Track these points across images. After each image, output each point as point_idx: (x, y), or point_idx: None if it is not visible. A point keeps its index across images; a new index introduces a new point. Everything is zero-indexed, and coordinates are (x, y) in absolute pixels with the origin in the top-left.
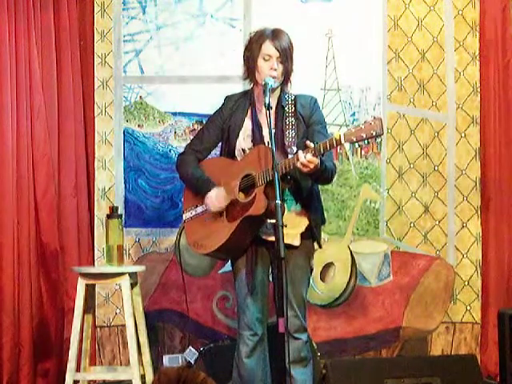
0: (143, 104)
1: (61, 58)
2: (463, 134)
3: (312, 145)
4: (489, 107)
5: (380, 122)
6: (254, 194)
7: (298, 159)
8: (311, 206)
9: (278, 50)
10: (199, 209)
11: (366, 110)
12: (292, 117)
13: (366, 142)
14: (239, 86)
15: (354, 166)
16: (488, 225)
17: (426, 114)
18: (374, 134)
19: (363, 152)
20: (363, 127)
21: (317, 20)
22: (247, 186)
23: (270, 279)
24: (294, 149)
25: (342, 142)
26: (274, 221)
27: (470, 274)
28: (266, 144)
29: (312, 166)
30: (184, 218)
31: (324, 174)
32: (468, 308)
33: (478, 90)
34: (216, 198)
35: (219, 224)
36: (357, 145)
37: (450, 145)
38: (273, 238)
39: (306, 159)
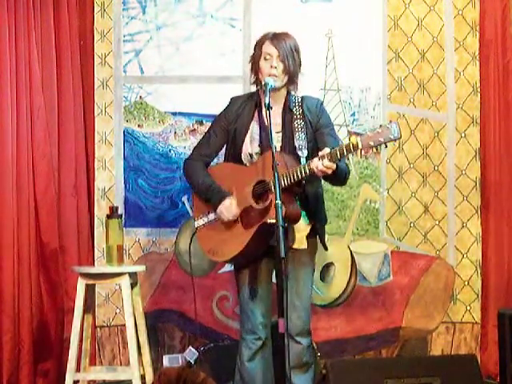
0: (143, 104)
1: (61, 58)
2: (463, 134)
3: (327, 150)
4: (489, 107)
5: (397, 126)
6: (269, 200)
7: (314, 166)
8: (316, 209)
9: (277, 49)
10: (211, 216)
11: (366, 109)
12: (300, 119)
13: (384, 146)
14: (239, 86)
15: (354, 165)
16: (488, 225)
17: (426, 114)
18: (392, 137)
19: (363, 152)
20: (380, 131)
21: (317, 20)
22: (260, 193)
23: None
24: (305, 152)
25: (360, 147)
26: (273, 221)
27: (470, 274)
28: (274, 148)
29: (330, 171)
30: (196, 226)
31: (340, 177)
32: (468, 308)
33: (478, 90)
34: (228, 209)
35: (235, 231)
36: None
37: (450, 145)
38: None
39: (324, 165)
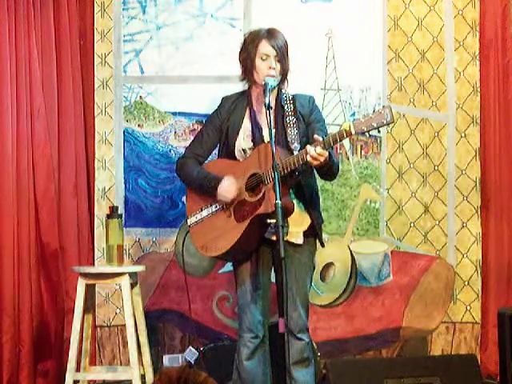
0: (143, 104)
1: (61, 57)
2: (463, 134)
3: (320, 138)
4: (489, 107)
5: (390, 110)
6: (262, 193)
7: (307, 153)
8: (313, 205)
9: (274, 49)
10: (204, 212)
11: (366, 109)
12: (292, 115)
13: (377, 131)
14: (239, 86)
15: (354, 166)
16: (488, 225)
17: (426, 114)
18: (385, 122)
19: (363, 152)
20: (373, 116)
21: (317, 20)
22: (253, 186)
23: (273, 279)
24: (297, 146)
25: (353, 132)
26: (273, 220)
27: (470, 274)
28: (272, 145)
29: (322, 159)
30: (189, 223)
31: (331, 169)
32: (468, 308)
33: (478, 90)
34: (227, 190)
35: (228, 225)
36: (358, 145)
37: (450, 145)
38: (275, 237)
39: (316, 152)
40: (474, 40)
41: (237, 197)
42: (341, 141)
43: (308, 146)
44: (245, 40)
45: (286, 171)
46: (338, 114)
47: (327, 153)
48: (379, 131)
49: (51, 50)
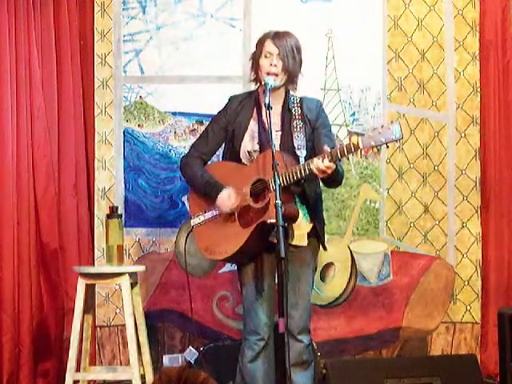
0: (143, 104)
1: (61, 57)
2: (463, 134)
3: (328, 150)
4: (489, 107)
5: (399, 126)
6: (268, 199)
7: (315, 165)
8: (316, 209)
9: (277, 47)
10: (208, 214)
11: (366, 109)
12: (299, 119)
13: (386, 146)
14: (239, 86)
15: (354, 165)
16: (488, 225)
17: (426, 113)
18: (394, 138)
19: (363, 152)
20: (381, 131)
21: (317, 20)
22: (258, 192)
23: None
24: (304, 152)
25: (361, 146)
26: (273, 220)
27: (470, 273)
28: (273, 146)
29: (329, 171)
30: (192, 224)
31: (337, 178)
32: (468, 308)
33: (478, 90)
34: (228, 199)
35: (232, 230)
36: None
37: (450, 145)
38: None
39: (324, 165)
40: (473, 40)
41: (237, 206)
42: (348, 154)
43: (315, 159)
44: (256, 44)
45: (291, 180)
46: (338, 114)
47: (334, 165)
48: (388, 146)
49: (51, 50)
